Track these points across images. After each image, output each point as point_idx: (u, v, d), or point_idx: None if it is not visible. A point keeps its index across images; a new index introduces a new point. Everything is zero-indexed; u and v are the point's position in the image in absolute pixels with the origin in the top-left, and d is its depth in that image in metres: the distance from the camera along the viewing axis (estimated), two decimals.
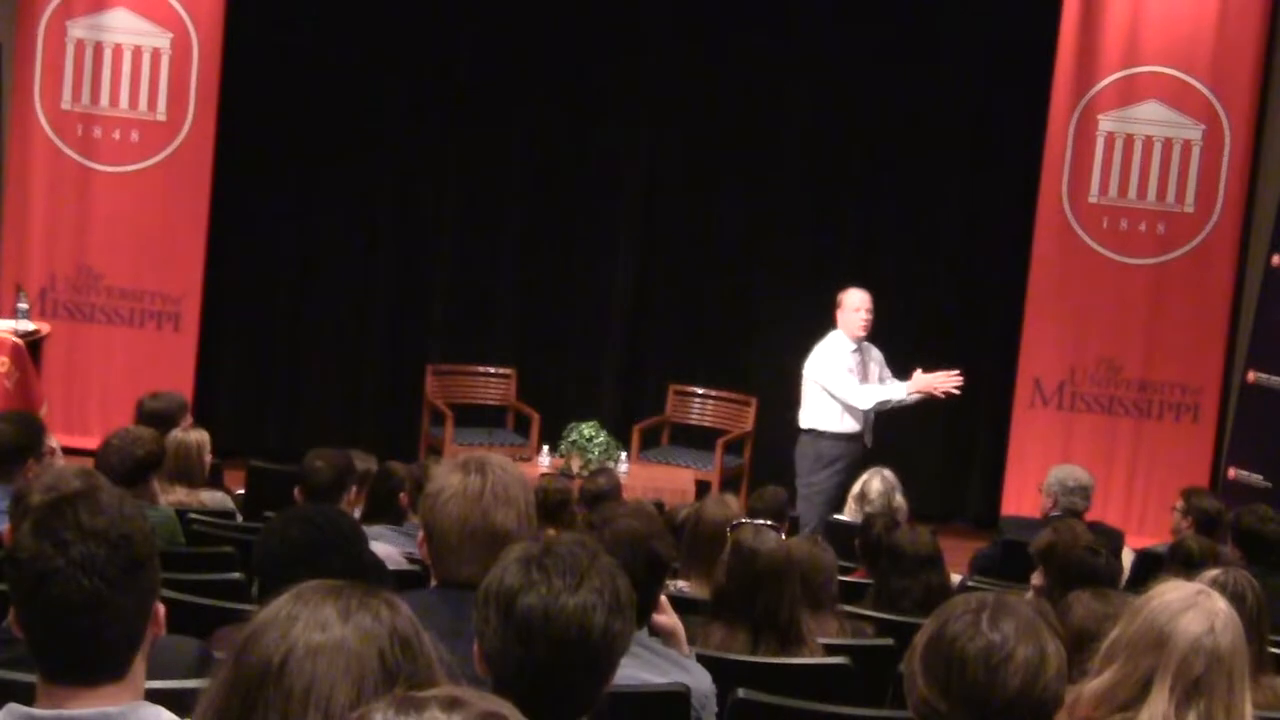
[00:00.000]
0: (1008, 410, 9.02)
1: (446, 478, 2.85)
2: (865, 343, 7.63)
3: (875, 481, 6.34)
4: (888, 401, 7.47)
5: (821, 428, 7.48)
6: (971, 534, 8.78)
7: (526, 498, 2.86)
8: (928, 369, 7.50)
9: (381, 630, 1.69)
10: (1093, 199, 8.83)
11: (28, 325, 7.92)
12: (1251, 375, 8.56)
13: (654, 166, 9.54)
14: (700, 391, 9.37)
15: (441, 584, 2.86)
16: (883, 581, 4.87)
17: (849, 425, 7.50)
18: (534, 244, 9.60)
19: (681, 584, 4.56)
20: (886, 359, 7.75)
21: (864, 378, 7.55)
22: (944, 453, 9.39)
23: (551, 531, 4.48)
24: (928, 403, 7.56)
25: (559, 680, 2.10)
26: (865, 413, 7.52)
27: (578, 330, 9.67)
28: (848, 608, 4.55)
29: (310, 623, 1.68)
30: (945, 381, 7.42)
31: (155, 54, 8.80)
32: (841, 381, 7.45)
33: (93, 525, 1.98)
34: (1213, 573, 3.45)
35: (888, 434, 7.74)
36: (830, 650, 3.89)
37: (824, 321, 8.01)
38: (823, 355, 7.53)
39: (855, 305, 7.51)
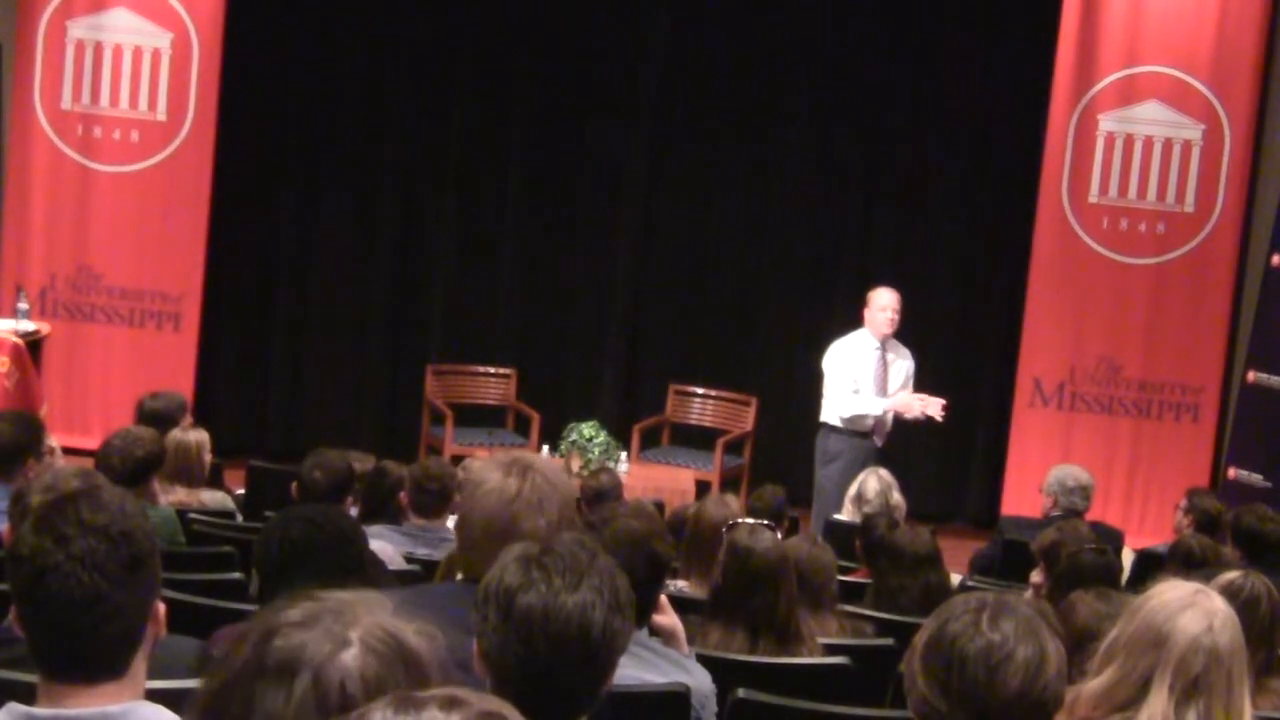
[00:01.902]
0: (1008, 410, 9.01)
1: (488, 472, 2.82)
2: (899, 346, 7.65)
3: (871, 480, 6.33)
4: (864, 417, 7.46)
5: (831, 422, 7.56)
6: (971, 534, 8.78)
7: (563, 508, 2.80)
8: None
9: None
10: (1093, 199, 8.82)
11: (28, 325, 7.91)
12: (1251, 375, 8.55)
13: (654, 165, 9.53)
14: (700, 391, 9.36)
15: (466, 577, 2.83)
16: (882, 581, 4.86)
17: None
18: (534, 244, 9.60)
19: (681, 584, 4.56)
20: None
21: (883, 378, 7.55)
22: (944, 453, 9.37)
23: None
24: None
25: (558, 679, 2.10)
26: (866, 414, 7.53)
27: (578, 330, 9.67)
28: (848, 607, 4.54)
29: None
30: (926, 405, 7.42)
31: (155, 54, 8.80)
32: (836, 382, 7.49)
33: (94, 521, 1.99)
34: (1230, 575, 3.43)
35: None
36: (830, 650, 3.88)
37: (824, 321, 8.02)
38: (836, 351, 7.58)
39: (882, 305, 7.54)
